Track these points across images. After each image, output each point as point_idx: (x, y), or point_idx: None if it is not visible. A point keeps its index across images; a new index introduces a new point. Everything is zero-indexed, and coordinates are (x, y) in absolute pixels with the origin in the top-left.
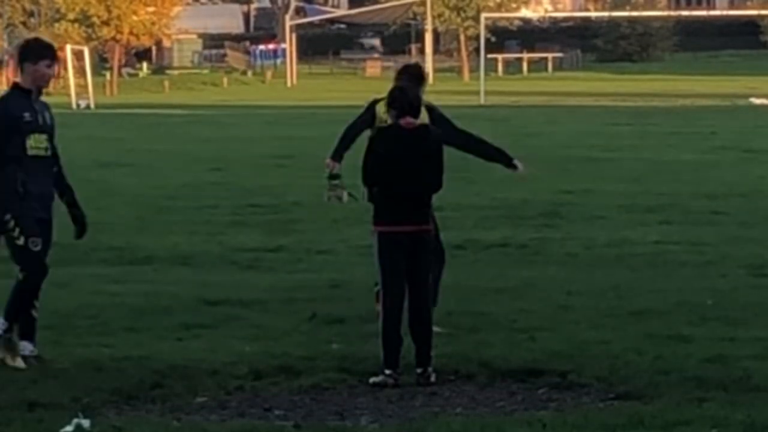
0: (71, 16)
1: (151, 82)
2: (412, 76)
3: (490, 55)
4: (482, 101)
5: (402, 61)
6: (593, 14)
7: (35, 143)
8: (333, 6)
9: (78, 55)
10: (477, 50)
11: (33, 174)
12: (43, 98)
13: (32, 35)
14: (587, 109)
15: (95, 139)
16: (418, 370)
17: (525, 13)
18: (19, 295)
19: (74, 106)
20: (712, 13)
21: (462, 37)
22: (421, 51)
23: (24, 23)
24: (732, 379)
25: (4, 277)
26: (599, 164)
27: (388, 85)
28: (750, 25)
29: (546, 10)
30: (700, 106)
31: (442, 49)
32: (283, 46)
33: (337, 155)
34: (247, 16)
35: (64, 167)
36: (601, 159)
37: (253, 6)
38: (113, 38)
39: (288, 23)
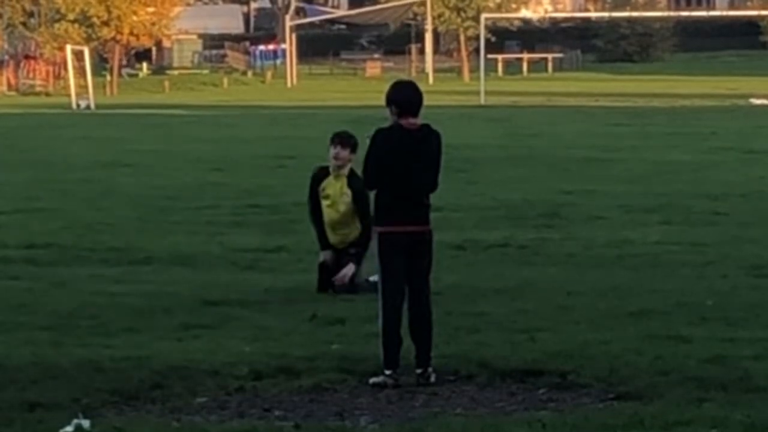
0: (71, 16)
1: (151, 82)
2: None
3: (490, 56)
4: (482, 101)
5: (402, 61)
6: (593, 15)
7: None
8: (333, 6)
9: (78, 56)
10: (477, 50)
11: None
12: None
13: (32, 35)
14: (587, 110)
15: (95, 139)
16: (418, 371)
17: (525, 13)
18: None
19: (74, 106)
20: (712, 13)
21: (462, 38)
22: (421, 51)
23: (24, 23)
24: (732, 379)
25: (5, 278)
26: (599, 164)
27: (388, 86)
28: (750, 26)
29: (546, 11)
30: (700, 107)
31: (442, 50)
32: (283, 46)
33: (323, 243)
34: (247, 17)
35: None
36: (601, 159)
37: (253, 6)
38: (113, 39)
39: (288, 23)
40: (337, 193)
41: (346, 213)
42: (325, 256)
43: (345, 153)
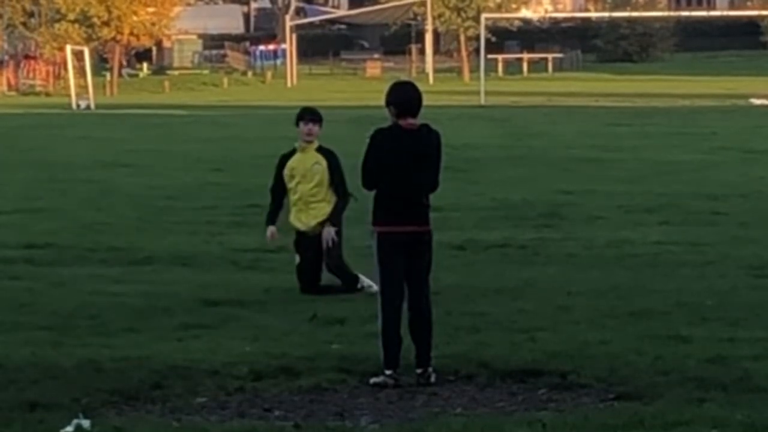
0: (71, 16)
1: (151, 82)
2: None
3: (490, 56)
4: (482, 101)
5: (402, 61)
6: (593, 15)
7: None
8: (333, 6)
9: (78, 56)
10: (477, 51)
11: None
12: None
13: (32, 36)
14: (587, 109)
15: (95, 139)
16: (418, 371)
17: (525, 13)
18: None
19: (74, 106)
20: (713, 13)
21: (462, 38)
22: (421, 51)
23: (24, 24)
24: (732, 379)
25: (5, 278)
26: (599, 164)
27: (388, 86)
28: (750, 26)
29: (546, 11)
30: (700, 107)
31: (442, 50)
32: (283, 46)
33: (270, 219)
34: (247, 17)
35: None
36: (601, 159)
37: (253, 6)
38: (113, 39)
39: (288, 24)
40: (307, 167)
41: (319, 183)
42: (270, 231)
43: (316, 128)
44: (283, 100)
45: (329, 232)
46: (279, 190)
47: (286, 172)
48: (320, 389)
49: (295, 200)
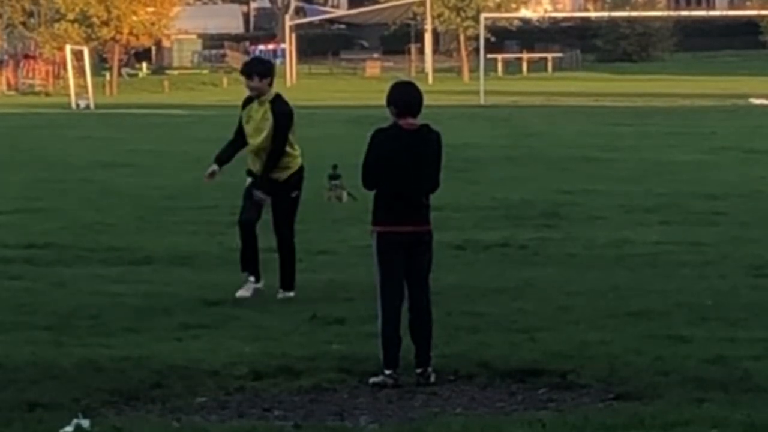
0: (71, 16)
1: (151, 82)
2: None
3: (489, 55)
4: (482, 101)
5: (402, 61)
6: (593, 14)
7: None
8: (333, 6)
9: (78, 56)
10: (477, 50)
11: None
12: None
13: (32, 35)
14: (587, 109)
15: (95, 139)
16: (418, 371)
17: (524, 13)
18: None
19: (74, 106)
20: (712, 13)
21: (461, 37)
22: (421, 51)
23: (24, 23)
24: (732, 379)
25: (5, 278)
26: (599, 164)
27: (388, 85)
28: (750, 26)
29: (546, 10)
30: (700, 106)
31: (441, 49)
32: (282, 46)
33: (220, 159)
34: (246, 17)
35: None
36: (601, 159)
37: (253, 6)
38: (113, 38)
39: (288, 23)
40: (259, 118)
41: (268, 137)
42: (211, 168)
43: (255, 83)
44: None
45: (257, 194)
46: (239, 137)
47: (243, 115)
48: (320, 389)
49: (249, 149)
